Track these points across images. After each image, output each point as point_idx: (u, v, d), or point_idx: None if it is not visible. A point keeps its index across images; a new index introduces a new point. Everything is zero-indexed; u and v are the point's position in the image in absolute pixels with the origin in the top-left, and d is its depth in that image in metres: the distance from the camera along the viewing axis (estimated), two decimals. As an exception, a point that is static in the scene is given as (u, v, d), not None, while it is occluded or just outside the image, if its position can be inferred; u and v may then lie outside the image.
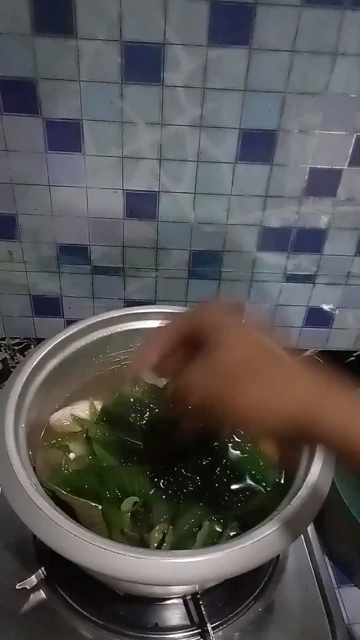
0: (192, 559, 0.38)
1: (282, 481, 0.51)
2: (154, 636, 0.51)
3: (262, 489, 0.51)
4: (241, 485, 0.51)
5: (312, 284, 0.72)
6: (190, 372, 0.37)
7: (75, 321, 0.58)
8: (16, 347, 0.80)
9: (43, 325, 0.77)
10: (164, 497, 0.49)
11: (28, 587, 0.51)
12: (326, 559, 0.60)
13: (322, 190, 0.63)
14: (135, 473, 0.50)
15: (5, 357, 0.81)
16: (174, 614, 0.53)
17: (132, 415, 0.57)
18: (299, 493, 0.42)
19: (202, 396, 0.36)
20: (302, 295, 0.74)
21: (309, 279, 0.72)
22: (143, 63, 0.55)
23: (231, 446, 0.55)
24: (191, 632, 0.51)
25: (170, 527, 0.47)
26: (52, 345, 0.54)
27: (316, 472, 0.44)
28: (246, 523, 0.47)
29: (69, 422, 0.56)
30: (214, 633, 0.50)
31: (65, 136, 0.59)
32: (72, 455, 0.54)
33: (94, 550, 0.38)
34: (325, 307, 0.75)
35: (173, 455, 0.52)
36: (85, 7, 0.52)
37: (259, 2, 0.51)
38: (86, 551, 0.38)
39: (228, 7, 0.52)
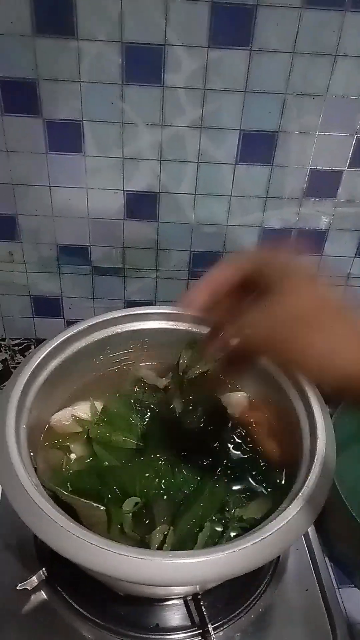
0: (193, 560, 0.38)
1: (283, 482, 0.51)
2: (154, 637, 0.51)
3: (263, 490, 0.51)
4: (242, 486, 0.51)
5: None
6: (251, 316, 0.35)
7: (76, 322, 0.58)
8: (16, 348, 0.80)
9: (43, 326, 0.77)
10: (165, 497, 0.49)
11: (29, 588, 0.51)
12: (326, 559, 0.60)
13: (323, 192, 0.64)
14: (136, 473, 0.50)
15: (6, 358, 0.81)
16: (175, 615, 0.53)
17: (133, 415, 0.57)
18: (300, 494, 0.42)
19: (262, 342, 0.34)
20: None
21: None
22: (144, 64, 0.55)
23: (232, 447, 0.55)
24: (192, 633, 0.51)
25: (171, 527, 0.47)
26: (53, 345, 0.54)
27: (317, 472, 0.44)
28: (247, 524, 0.47)
29: (69, 423, 0.56)
30: (214, 634, 0.50)
31: (65, 137, 0.60)
32: (72, 456, 0.54)
33: (95, 550, 0.38)
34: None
35: (174, 455, 0.52)
36: (85, 8, 0.52)
37: (259, 4, 0.51)
38: (87, 552, 0.38)
39: (228, 8, 0.52)
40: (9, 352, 0.80)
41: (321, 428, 0.48)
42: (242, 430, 0.57)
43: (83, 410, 0.57)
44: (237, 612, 0.53)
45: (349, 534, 0.58)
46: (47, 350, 0.54)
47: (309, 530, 0.60)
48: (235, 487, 0.51)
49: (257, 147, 0.60)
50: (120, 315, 0.60)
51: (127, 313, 0.60)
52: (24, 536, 0.56)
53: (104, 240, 0.68)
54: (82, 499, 0.47)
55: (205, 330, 0.60)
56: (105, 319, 0.59)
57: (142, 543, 0.46)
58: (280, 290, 0.34)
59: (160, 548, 0.45)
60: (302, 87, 0.56)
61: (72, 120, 0.58)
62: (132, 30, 0.53)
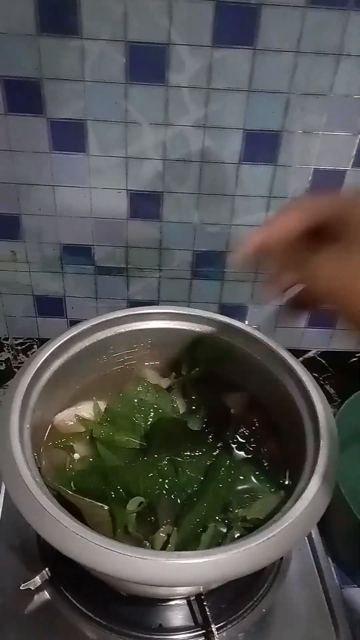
0: (197, 560, 0.38)
1: (287, 482, 0.51)
2: (158, 637, 0.51)
3: (266, 490, 0.50)
4: (245, 486, 0.51)
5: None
6: (325, 263, 0.33)
7: (79, 321, 0.58)
8: (19, 347, 0.80)
9: (46, 326, 0.77)
10: (168, 497, 0.49)
11: (32, 588, 0.51)
12: (330, 560, 0.60)
13: (326, 191, 0.63)
14: (140, 473, 0.50)
15: (8, 357, 0.81)
16: (178, 615, 0.53)
17: (137, 415, 0.57)
18: (304, 494, 0.42)
19: (335, 291, 0.33)
20: (306, 295, 0.74)
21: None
22: (147, 63, 0.55)
23: (235, 447, 0.55)
24: (195, 633, 0.51)
25: (175, 528, 0.47)
26: (57, 345, 0.54)
27: (320, 473, 0.44)
28: (251, 524, 0.47)
29: (73, 423, 0.56)
30: (218, 634, 0.50)
31: (69, 136, 0.59)
32: (76, 456, 0.54)
33: (99, 550, 0.38)
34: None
35: (177, 455, 0.52)
36: (89, 7, 0.52)
37: (263, 3, 0.51)
38: (91, 552, 0.38)
39: (232, 7, 0.52)
40: (12, 352, 0.80)
41: (324, 427, 0.48)
42: (245, 430, 0.57)
43: (86, 410, 0.57)
44: (241, 612, 0.53)
45: (353, 535, 0.58)
46: (51, 350, 0.54)
47: (312, 530, 0.60)
48: (238, 487, 0.51)
49: (261, 146, 0.60)
50: (123, 315, 0.60)
51: (131, 313, 0.61)
52: (27, 536, 0.56)
53: (107, 239, 0.68)
54: (85, 499, 0.47)
55: (206, 329, 0.61)
56: (108, 318, 0.59)
57: (146, 543, 0.46)
58: (356, 237, 0.33)
59: (163, 548, 0.45)
60: (305, 87, 0.56)
61: (76, 119, 0.58)
62: (136, 29, 0.53)
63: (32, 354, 0.71)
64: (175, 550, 0.45)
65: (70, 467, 0.52)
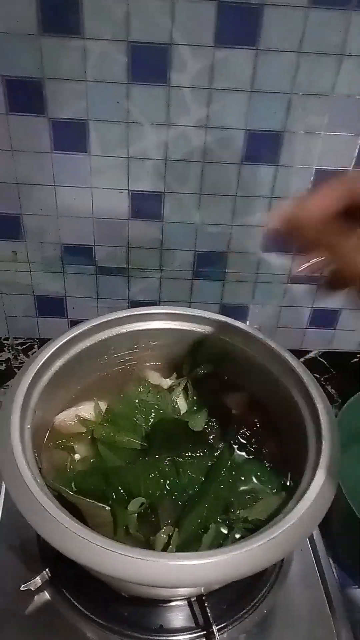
0: (198, 562, 0.38)
1: (288, 483, 0.51)
2: (158, 638, 0.51)
3: (268, 491, 0.50)
4: (247, 487, 0.51)
5: (316, 285, 0.72)
6: (357, 244, 0.33)
7: (79, 322, 0.58)
8: (20, 347, 0.80)
9: (47, 326, 0.77)
10: (169, 498, 0.49)
11: (32, 589, 0.51)
12: (330, 560, 0.60)
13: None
14: (141, 474, 0.50)
15: (9, 357, 0.81)
16: (179, 616, 0.53)
17: (137, 416, 0.57)
18: (306, 495, 0.42)
19: None
20: (307, 296, 0.74)
21: (313, 280, 0.72)
22: (149, 63, 0.55)
23: (237, 447, 0.55)
24: (196, 634, 0.51)
25: (176, 529, 0.47)
26: (58, 345, 0.54)
27: (322, 474, 0.44)
28: (252, 525, 0.47)
29: (73, 423, 0.56)
30: (219, 635, 0.50)
31: (70, 136, 0.59)
32: (77, 456, 0.54)
33: (99, 551, 0.38)
34: (330, 308, 0.75)
35: (178, 456, 0.52)
36: (91, 7, 0.52)
37: (265, 3, 0.51)
38: (92, 552, 0.38)
39: (234, 7, 0.52)
40: (12, 352, 0.80)
41: (326, 428, 0.48)
42: (246, 430, 0.57)
43: (87, 410, 0.57)
44: (242, 613, 0.53)
45: (354, 536, 0.58)
46: (52, 351, 0.54)
47: (313, 531, 0.60)
48: (240, 488, 0.51)
49: (263, 147, 0.60)
50: (124, 315, 0.60)
51: (132, 313, 0.60)
52: (28, 536, 0.56)
53: (108, 240, 0.68)
54: (86, 499, 0.47)
55: (207, 330, 0.61)
56: (109, 319, 0.59)
57: (147, 544, 0.46)
58: None
59: (164, 549, 0.45)
60: (307, 87, 0.56)
61: (77, 119, 0.58)
62: (138, 29, 0.53)
63: (32, 354, 0.71)
64: (176, 551, 0.45)
65: (71, 468, 0.52)
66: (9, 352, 0.80)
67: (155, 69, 0.55)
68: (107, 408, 0.58)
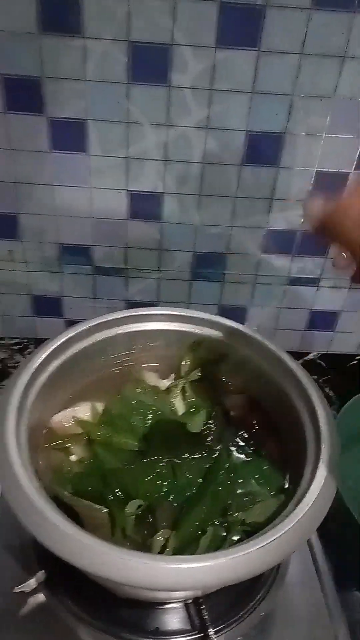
0: (196, 565, 0.38)
1: (287, 485, 0.51)
2: (154, 641, 0.51)
3: (266, 493, 0.50)
4: (245, 489, 0.51)
5: (316, 287, 0.72)
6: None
7: (76, 322, 0.58)
8: (15, 347, 0.79)
9: (43, 326, 0.77)
10: (167, 500, 0.49)
11: (28, 590, 0.51)
12: (329, 562, 0.59)
13: (329, 194, 0.63)
14: (138, 476, 0.50)
15: (4, 357, 0.80)
16: (175, 618, 0.52)
17: (135, 417, 0.56)
18: (305, 498, 0.42)
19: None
20: (306, 298, 0.74)
21: (312, 282, 0.72)
22: (150, 64, 0.55)
23: (235, 449, 0.55)
24: (193, 637, 0.51)
25: (173, 531, 0.46)
26: (55, 346, 0.54)
27: (321, 477, 0.43)
28: (250, 528, 0.46)
29: (70, 424, 0.56)
30: (216, 637, 0.50)
31: (70, 136, 0.59)
32: (73, 458, 0.53)
33: (96, 554, 0.37)
34: (329, 310, 0.75)
35: (176, 458, 0.52)
36: (92, 6, 0.52)
37: (268, 4, 0.51)
38: (88, 556, 0.37)
39: (237, 8, 0.51)
40: (7, 352, 0.80)
41: (325, 430, 0.47)
42: (244, 432, 0.57)
43: (84, 411, 0.57)
44: (239, 615, 0.52)
45: (352, 538, 0.57)
46: (49, 351, 0.53)
47: (311, 534, 0.59)
48: (238, 491, 0.51)
49: (264, 148, 0.60)
50: (122, 316, 0.60)
51: (129, 314, 0.60)
52: (23, 537, 0.56)
53: (106, 240, 0.68)
54: (84, 501, 0.47)
55: (205, 331, 0.60)
56: (107, 319, 0.59)
57: (144, 546, 0.46)
58: None
59: (162, 552, 0.45)
60: (309, 89, 0.56)
61: (77, 119, 0.58)
62: (139, 29, 0.53)
63: (28, 354, 0.71)
64: (173, 553, 0.45)
65: (67, 469, 0.51)
66: (5, 352, 0.80)
67: (156, 69, 0.55)
68: (104, 409, 0.57)
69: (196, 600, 0.52)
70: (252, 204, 0.64)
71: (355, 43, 0.53)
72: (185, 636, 0.51)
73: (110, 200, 0.64)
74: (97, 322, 0.58)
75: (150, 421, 0.56)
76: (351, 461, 0.71)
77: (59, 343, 0.55)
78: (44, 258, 0.69)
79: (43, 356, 0.52)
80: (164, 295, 0.73)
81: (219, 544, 0.46)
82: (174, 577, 0.37)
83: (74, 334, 0.56)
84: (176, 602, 0.53)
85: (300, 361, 0.80)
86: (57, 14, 0.52)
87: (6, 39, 0.53)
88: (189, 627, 0.52)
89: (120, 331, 0.60)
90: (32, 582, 0.51)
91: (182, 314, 0.61)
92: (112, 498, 0.48)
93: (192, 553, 0.44)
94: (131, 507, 0.47)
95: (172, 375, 0.63)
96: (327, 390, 0.83)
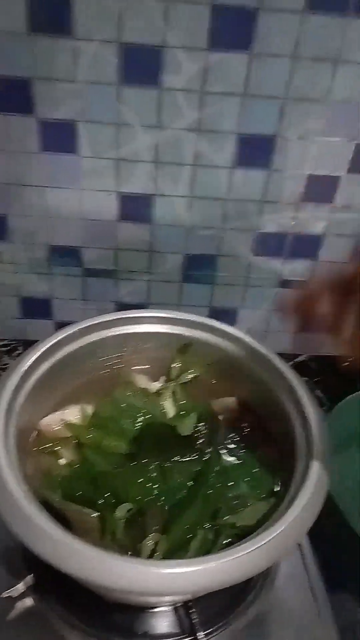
0: (186, 569, 0.38)
1: (278, 488, 0.51)
2: (144, 645, 0.50)
3: (257, 497, 0.50)
4: (236, 492, 0.51)
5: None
6: None
7: (66, 324, 0.58)
8: (3, 349, 0.79)
9: (33, 328, 0.76)
10: (157, 504, 0.48)
11: (16, 595, 0.50)
12: (319, 565, 0.60)
13: (320, 197, 0.64)
14: (128, 479, 0.49)
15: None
16: (165, 622, 0.52)
17: (125, 420, 0.56)
18: (296, 501, 0.42)
19: None
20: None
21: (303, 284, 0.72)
22: (142, 65, 0.55)
23: (225, 452, 0.55)
24: (182, 641, 0.50)
25: (163, 535, 0.46)
26: (44, 348, 0.53)
27: (312, 479, 0.43)
28: (241, 531, 0.46)
29: (59, 427, 0.55)
30: (205, 641, 0.50)
31: (60, 137, 0.59)
32: (62, 461, 0.53)
33: (85, 559, 0.37)
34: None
35: (166, 461, 0.52)
36: (84, 7, 0.51)
37: (261, 7, 0.51)
38: (77, 560, 0.37)
39: (230, 11, 0.51)
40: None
41: (316, 433, 0.47)
42: (235, 435, 0.56)
43: (73, 414, 0.56)
44: (228, 619, 0.52)
45: (343, 540, 0.58)
46: (38, 353, 0.53)
47: (301, 536, 0.59)
48: (228, 494, 0.50)
49: (255, 151, 0.60)
50: (112, 318, 0.59)
51: (120, 316, 0.60)
52: (11, 541, 0.55)
53: (97, 241, 0.67)
54: (73, 505, 0.46)
55: (196, 334, 0.60)
56: (97, 322, 0.58)
57: (133, 551, 0.45)
58: None
59: (151, 556, 0.45)
60: (302, 92, 0.56)
61: (67, 120, 0.58)
62: (131, 31, 0.53)
63: (17, 356, 0.70)
64: (163, 557, 0.44)
65: (57, 473, 0.51)
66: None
67: (147, 70, 0.55)
68: (94, 412, 0.57)
69: (186, 604, 0.52)
70: (243, 206, 0.64)
71: (349, 46, 0.53)
72: (175, 640, 0.51)
73: (100, 202, 0.64)
74: (87, 324, 0.58)
75: (140, 424, 0.56)
76: (342, 463, 0.72)
77: (48, 345, 0.54)
78: (34, 259, 0.69)
79: (32, 358, 0.52)
80: (155, 297, 0.73)
81: (209, 548, 0.46)
82: (164, 581, 0.37)
83: (63, 336, 0.56)
84: (165, 605, 0.53)
85: (291, 363, 0.80)
86: (47, 14, 0.52)
87: (-4, 39, 0.53)
88: (178, 631, 0.51)
89: (110, 333, 0.60)
90: (20, 587, 0.50)
91: (172, 316, 0.61)
92: (101, 502, 0.47)
93: (182, 557, 0.44)
94: (121, 511, 0.47)
95: (163, 378, 0.63)
96: (318, 392, 0.83)
